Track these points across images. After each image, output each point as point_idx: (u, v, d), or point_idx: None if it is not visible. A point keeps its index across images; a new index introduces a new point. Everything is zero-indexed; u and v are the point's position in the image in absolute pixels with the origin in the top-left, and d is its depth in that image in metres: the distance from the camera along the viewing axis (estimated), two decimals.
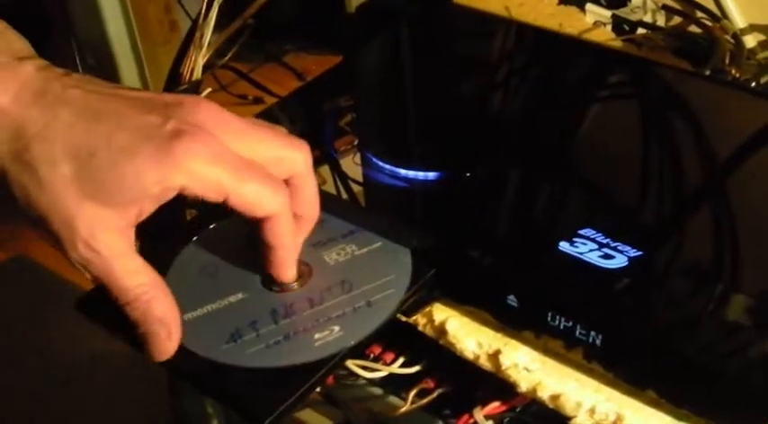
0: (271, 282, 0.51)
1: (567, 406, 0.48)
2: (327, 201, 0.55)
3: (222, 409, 0.65)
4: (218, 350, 0.48)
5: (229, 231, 0.55)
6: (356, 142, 0.67)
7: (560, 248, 0.50)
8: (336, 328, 0.48)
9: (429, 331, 0.52)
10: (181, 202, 0.50)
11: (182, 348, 0.47)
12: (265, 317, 0.49)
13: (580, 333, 0.48)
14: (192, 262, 0.54)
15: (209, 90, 0.64)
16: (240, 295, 0.51)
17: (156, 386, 0.68)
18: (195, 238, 0.56)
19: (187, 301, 0.50)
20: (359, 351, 0.50)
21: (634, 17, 0.75)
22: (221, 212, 0.48)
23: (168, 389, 0.65)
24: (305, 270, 0.52)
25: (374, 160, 0.61)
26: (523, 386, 0.49)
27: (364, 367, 0.53)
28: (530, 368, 0.49)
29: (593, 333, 0.48)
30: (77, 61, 0.56)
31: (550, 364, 0.49)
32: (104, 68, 0.56)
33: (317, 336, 0.48)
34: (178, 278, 0.52)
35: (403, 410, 0.52)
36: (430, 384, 0.53)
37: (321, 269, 0.53)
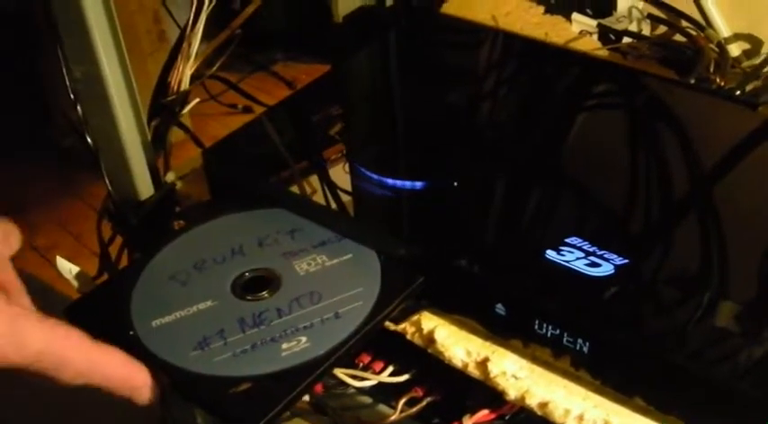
0: (241, 290, 0.52)
1: (556, 413, 0.48)
2: (312, 211, 0.55)
3: (211, 418, 0.65)
4: (186, 358, 0.48)
5: (201, 239, 0.56)
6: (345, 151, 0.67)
7: (547, 256, 0.51)
8: (303, 338, 0.49)
9: (418, 340, 0.52)
10: (169, 213, 0.50)
11: (150, 355, 0.47)
12: (233, 326, 0.50)
13: (567, 341, 0.48)
14: (163, 269, 0.54)
15: (197, 100, 0.64)
16: (209, 303, 0.51)
17: None
18: (167, 245, 0.56)
19: (156, 307, 0.50)
20: (343, 361, 0.50)
21: (619, 26, 0.76)
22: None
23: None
24: (275, 280, 0.53)
25: (362, 169, 0.62)
26: (512, 394, 0.49)
27: (353, 376, 0.53)
28: (518, 376, 0.49)
29: (580, 341, 0.48)
30: (64, 74, 0.56)
31: (538, 371, 0.50)
32: (91, 80, 0.56)
33: (284, 346, 0.48)
34: (148, 285, 0.52)
35: (392, 418, 0.52)
36: (419, 392, 0.53)
37: (291, 279, 0.53)
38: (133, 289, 0.52)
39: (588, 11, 0.77)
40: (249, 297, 0.52)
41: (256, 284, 0.53)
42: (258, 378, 0.46)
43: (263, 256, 0.54)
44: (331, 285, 0.52)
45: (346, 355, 0.49)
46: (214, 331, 0.49)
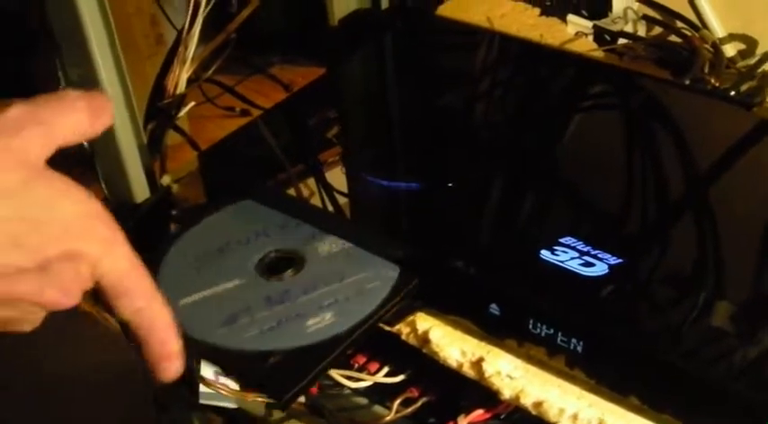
0: (266, 270, 0.53)
1: (550, 413, 0.48)
2: (312, 215, 0.56)
3: (209, 421, 0.65)
4: (214, 334, 0.50)
5: (224, 223, 0.57)
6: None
7: (542, 256, 0.51)
8: (328, 315, 0.51)
9: (412, 341, 0.52)
10: (165, 216, 0.50)
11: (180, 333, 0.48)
12: (260, 303, 0.51)
13: (562, 340, 0.48)
14: (188, 251, 0.55)
15: (192, 103, 0.64)
16: (235, 282, 0.53)
17: (142, 400, 0.68)
18: (190, 229, 0.57)
19: (182, 287, 0.52)
20: (365, 338, 0.51)
21: (615, 28, 0.76)
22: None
23: (154, 403, 0.65)
24: (299, 260, 0.54)
25: (358, 171, 0.62)
26: (506, 394, 0.49)
27: (349, 377, 0.53)
28: (512, 376, 0.49)
29: (574, 340, 0.48)
30: (60, 76, 0.56)
31: (533, 371, 0.50)
32: (87, 83, 0.56)
33: (309, 322, 0.50)
34: (174, 266, 0.54)
35: (388, 419, 0.52)
36: (414, 392, 0.53)
37: (315, 259, 0.54)
38: (159, 271, 0.54)
39: (584, 12, 0.78)
40: (274, 277, 0.54)
41: (281, 264, 0.55)
42: (286, 352, 0.49)
43: (287, 238, 0.56)
44: (353, 264, 0.54)
45: (369, 332, 0.50)
46: (241, 308, 0.51)
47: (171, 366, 0.43)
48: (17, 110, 0.38)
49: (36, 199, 0.38)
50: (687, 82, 0.68)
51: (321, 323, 0.50)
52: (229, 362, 0.49)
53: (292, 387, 0.47)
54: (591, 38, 0.76)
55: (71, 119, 0.40)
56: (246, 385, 0.49)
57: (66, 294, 0.39)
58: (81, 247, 0.39)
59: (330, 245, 0.55)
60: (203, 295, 0.52)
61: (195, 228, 0.58)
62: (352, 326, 0.50)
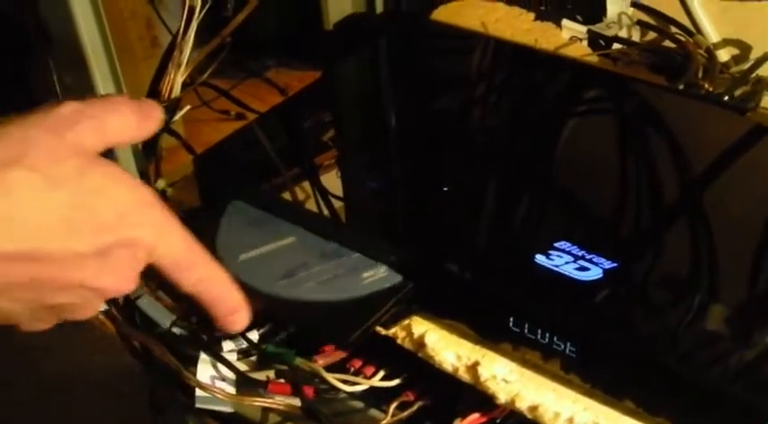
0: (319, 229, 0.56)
1: (546, 417, 0.48)
2: (306, 218, 0.56)
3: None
4: (274, 286, 0.52)
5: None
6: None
7: (536, 261, 0.51)
8: (383, 269, 0.53)
9: (408, 345, 0.52)
10: None
11: (241, 284, 0.49)
12: (316, 258, 0.54)
13: (557, 345, 0.48)
14: (242, 213, 0.58)
15: (188, 107, 0.64)
16: (292, 239, 0.56)
17: (138, 401, 0.68)
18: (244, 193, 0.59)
19: (242, 244, 0.55)
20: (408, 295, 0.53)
21: (609, 32, 0.76)
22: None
23: (150, 405, 0.65)
24: None
25: (353, 175, 0.62)
26: (502, 398, 0.49)
27: (345, 381, 0.53)
28: (508, 380, 0.50)
29: (569, 344, 0.48)
30: (55, 80, 0.56)
31: (528, 375, 0.50)
32: (81, 87, 0.56)
33: (364, 275, 0.53)
34: (234, 223, 0.57)
35: (383, 423, 0.52)
36: (410, 396, 0.53)
37: None
38: (219, 227, 0.56)
39: (578, 17, 0.78)
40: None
41: None
42: (344, 302, 0.51)
43: None
44: None
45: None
46: (298, 263, 0.54)
47: (239, 317, 0.45)
48: (70, 107, 0.40)
49: (91, 187, 0.39)
50: (681, 87, 0.69)
51: (375, 276, 0.53)
52: (289, 312, 0.53)
53: (356, 330, 0.50)
54: (585, 43, 0.76)
55: (121, 118, 0.41)
56: (305, 336, 0.54)
57: (122, 279, 0.40)
58: (136, 234, 0.40)
59: None
60: (262, 251, 0.55)
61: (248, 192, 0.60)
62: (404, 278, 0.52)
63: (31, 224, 0.37)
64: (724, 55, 0.75)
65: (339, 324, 0.51)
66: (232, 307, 0.45)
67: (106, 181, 0.39)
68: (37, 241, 0.37)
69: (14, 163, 0.37)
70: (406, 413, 0.52)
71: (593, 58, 0.73)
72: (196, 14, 0.62)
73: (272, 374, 0.55)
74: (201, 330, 0.57)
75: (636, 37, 0.78)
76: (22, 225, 0.37)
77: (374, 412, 0.54)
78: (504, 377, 0.50)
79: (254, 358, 0.56)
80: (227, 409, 0.55)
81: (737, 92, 0.69)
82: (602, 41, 0.76)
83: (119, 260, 0.39)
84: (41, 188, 0.37)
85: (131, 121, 0.42)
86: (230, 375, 0.54)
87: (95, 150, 0.40)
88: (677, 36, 0.75)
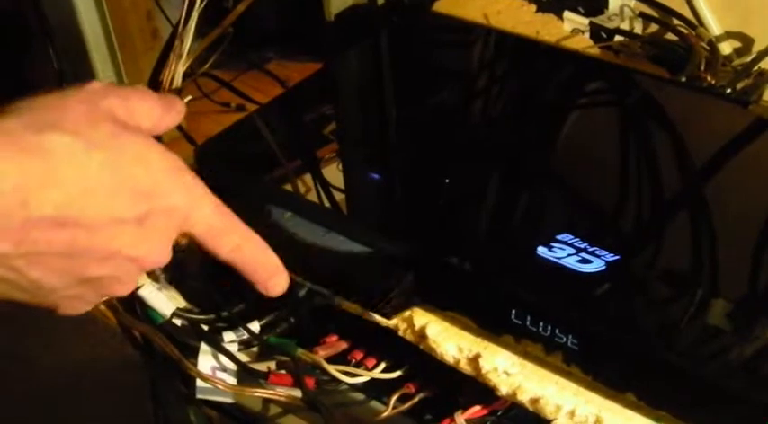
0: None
1: (547, 409, 0.48)
2: (307, 209, 0.55)
3: (205, 415, 0.65)
4: (319, 238, 0.55)
5: None
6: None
7: (538, 253, 0.51)
8: None
9: (409, 336, 0.52)
10: None
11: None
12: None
13: (558, 337, 0.48)
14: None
15: (189, 97, 0.64)
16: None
17: (138, 393, 0.68)
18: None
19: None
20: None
21: (611, 25, 0.76)
22: None
23: (150, 396, 0.65)
24: None
25: (355, 167, 0.62)
26: (503, 390, 0.49)
27: (346, 373, 0.53)
28: (509, 372, 0.50)
29: (571, 337, 0.48)
30: (55, 69, 0.56)
31: (530, 367, 0.50)
32: (82, 78, 0.56)
33: None
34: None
35: (385, 414, 0.52)
36: (411, 388, 0.53)
37: None
38: None
39: (580, 9, 0.77)
40: None
41: None
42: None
43: None
44: None
45: None
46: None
47: (279, 279, 0.46)
48: (99, 84, 0.40)
49: (125, 152, 0.38)
50: (683, 79, 0.69)
51: None
52: (332, 261, 0.55)
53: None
54: (587, 35, 0.75)
55: (147, 103, 0.42)
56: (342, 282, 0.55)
57: (159, 248, 0.40)
58: (171, 201, 0.40)
59: None
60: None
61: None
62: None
63: (72, 188, 0.36)
64: (726, 47, 0.75)
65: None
66: (272, 270, 0.45)
67: (140, 147, 0.39)
68: (77, 205, 0.36)
69: (53, 126, 0.36)
70: (407, 405, 0.52)
71: (595, 50, 0.73)
72: (197, 5, 0.62)
73: (273, 365, 0.55)
74: (202, 320, 0.57)
75: (638, 29, 0.78)
76: (62, 188, 0.36)
77: (375, 404, 0.54)
78: (506, 370, 0.50)
79: (255, 349, 0.56)
80: (228, 399, 0.55)
81: (740, 85, 0.69)
82: (603, 33, 0.75)
83: (155, 228, 0.39)
84: (81, 150, 0.37)
85: (156, 109, 0.42)
86: (231, 365, 0.54)
87: (125, 121, 0.40)
88: (679, 28, 0.74)
